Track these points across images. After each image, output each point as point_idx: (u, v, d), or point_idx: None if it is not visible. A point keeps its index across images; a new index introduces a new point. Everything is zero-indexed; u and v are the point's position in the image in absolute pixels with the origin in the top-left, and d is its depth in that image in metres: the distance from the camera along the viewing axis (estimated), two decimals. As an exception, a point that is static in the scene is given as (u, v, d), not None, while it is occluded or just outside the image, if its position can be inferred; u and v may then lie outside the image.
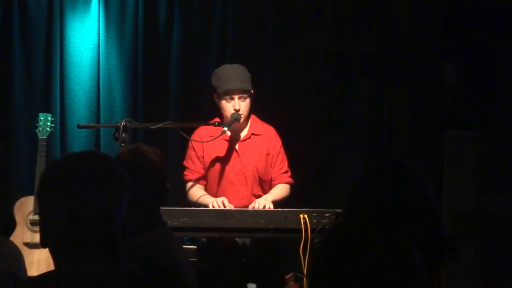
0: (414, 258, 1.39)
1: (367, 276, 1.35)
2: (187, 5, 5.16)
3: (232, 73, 4.17)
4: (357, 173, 5.03)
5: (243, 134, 4.26)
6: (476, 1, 4.98)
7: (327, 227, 3.63)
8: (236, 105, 4.10)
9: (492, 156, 4.46)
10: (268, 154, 4.24)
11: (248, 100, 4.15)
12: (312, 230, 3.66)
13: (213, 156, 4.22)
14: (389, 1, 5.11)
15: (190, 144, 4.25)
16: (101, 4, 5.10)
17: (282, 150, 4.29)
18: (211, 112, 4.42)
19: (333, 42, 5.15)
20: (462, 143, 4.52)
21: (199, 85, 5.11)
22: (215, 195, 4.15)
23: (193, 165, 4.23)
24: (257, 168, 4.21)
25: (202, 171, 4.23)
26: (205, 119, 4.37)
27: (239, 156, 4.22)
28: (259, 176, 4.22)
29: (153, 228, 2.54)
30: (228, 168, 4.20)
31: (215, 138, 4.08)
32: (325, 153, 5.14)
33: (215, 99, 4.21)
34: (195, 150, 4.22)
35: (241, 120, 4.13)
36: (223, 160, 4.21)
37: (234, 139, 4.24)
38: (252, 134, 4.25)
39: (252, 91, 4.20)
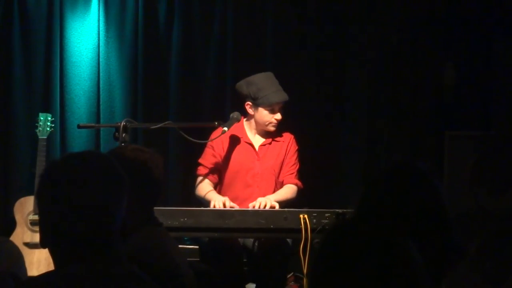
0: (413, 258, 1.39)
1: (367, 276, 1.35)
2: (187, 5, 5.15)
3: (272, 84, 4.23)
4: (357, 173, 5.10)
5: (265, 138, 4.30)
6: (476, 1, 4.98)
7: (327, 227, 3.63)
8: (278, 116, 4.19)
9: (492, 156, 4.46)
10: (284, 159, 4.29)
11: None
12: (312, 230, 3.66)
13: (232, 156, 4.24)
14: (389, 1, 5.11)
15: (209, 143, 4.26)
16: (101, 4, 5.10)
17: (295, 156, 4.31)
18: (211, 113, 4.42)
19: (333, 42, 5.15)
20: (462, 143, 4.52)
21: (199, 85, 5.11)
22: (229, 194, 4.15)
23: (207, 162, 4.24)
24: (274, 171, 4.24)
25: (214, 168, 4.25)
26: (205, 119, 4.37)
27: (259, 159, 4.24)
28: (275, 180, 4.25)
29: (148, 228, 2.54)
30: (246, 170, 4.23)
31: (217, 137, 4.12)
32: (325, 153, 5.13)
33: (247, 106, 4.23)
34: (213, 149, 4.24)
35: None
36: (243, 162, 4.24)
37: (255, 143, 4.27)
38: (273, 140, 4.28)
39: None
